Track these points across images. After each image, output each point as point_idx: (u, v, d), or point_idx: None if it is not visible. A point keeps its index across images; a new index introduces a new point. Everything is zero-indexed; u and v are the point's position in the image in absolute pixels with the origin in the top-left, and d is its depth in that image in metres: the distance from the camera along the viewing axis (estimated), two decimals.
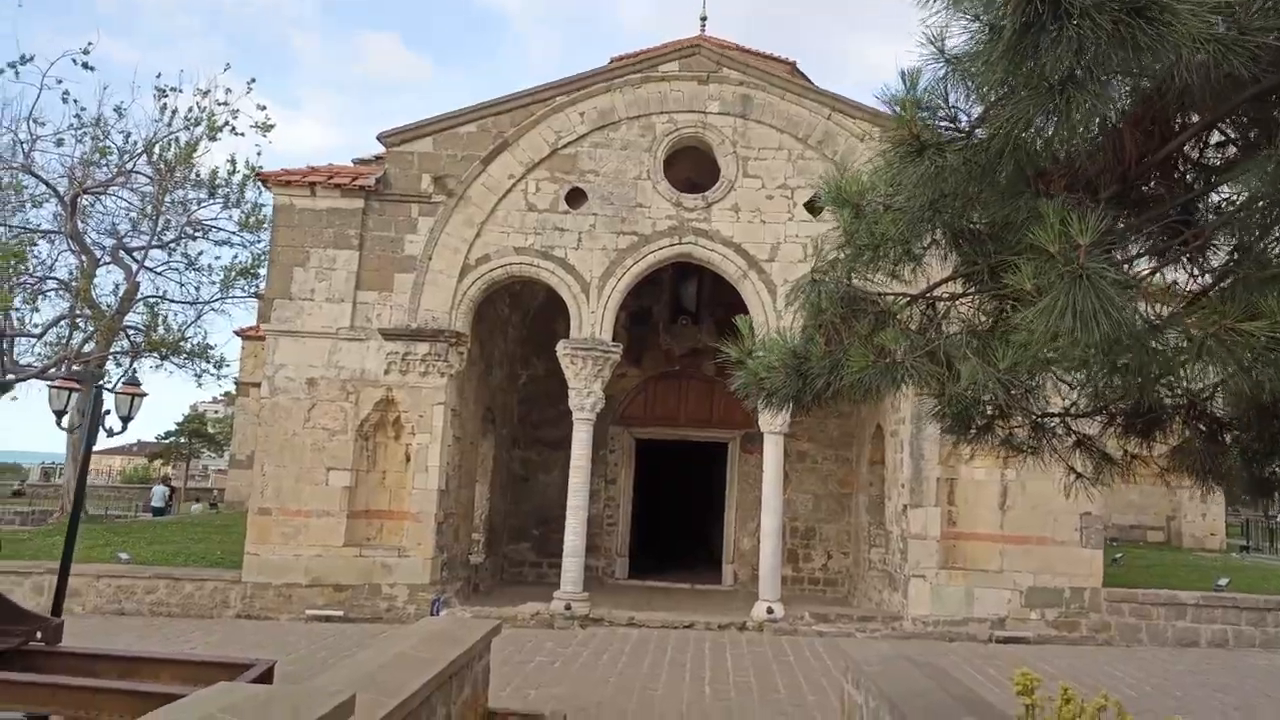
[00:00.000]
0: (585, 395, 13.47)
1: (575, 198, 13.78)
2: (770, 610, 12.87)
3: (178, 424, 44.10)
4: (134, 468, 49.99)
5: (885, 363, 4.60)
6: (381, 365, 13.29)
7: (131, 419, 8.59)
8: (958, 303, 5.27)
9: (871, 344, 4.76)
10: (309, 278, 13.40)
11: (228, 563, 14.04)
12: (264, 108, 20.83)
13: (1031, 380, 4.51)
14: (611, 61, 15.46)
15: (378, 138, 13.56)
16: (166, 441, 44.03)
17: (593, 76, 13.79)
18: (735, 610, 14.29)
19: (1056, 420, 6.10)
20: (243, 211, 20.66)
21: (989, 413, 6.11)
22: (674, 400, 18.46)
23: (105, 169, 18.66)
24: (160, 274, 21.07)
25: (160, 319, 20.63)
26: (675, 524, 23.73)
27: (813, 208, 13.77)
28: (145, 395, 8.72)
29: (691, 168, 14.56)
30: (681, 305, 18.98)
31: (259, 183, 13.40)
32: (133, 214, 19.73)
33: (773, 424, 13.49)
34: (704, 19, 19.91)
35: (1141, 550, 22.50)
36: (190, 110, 19.66)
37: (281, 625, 12.69)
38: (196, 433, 43.89)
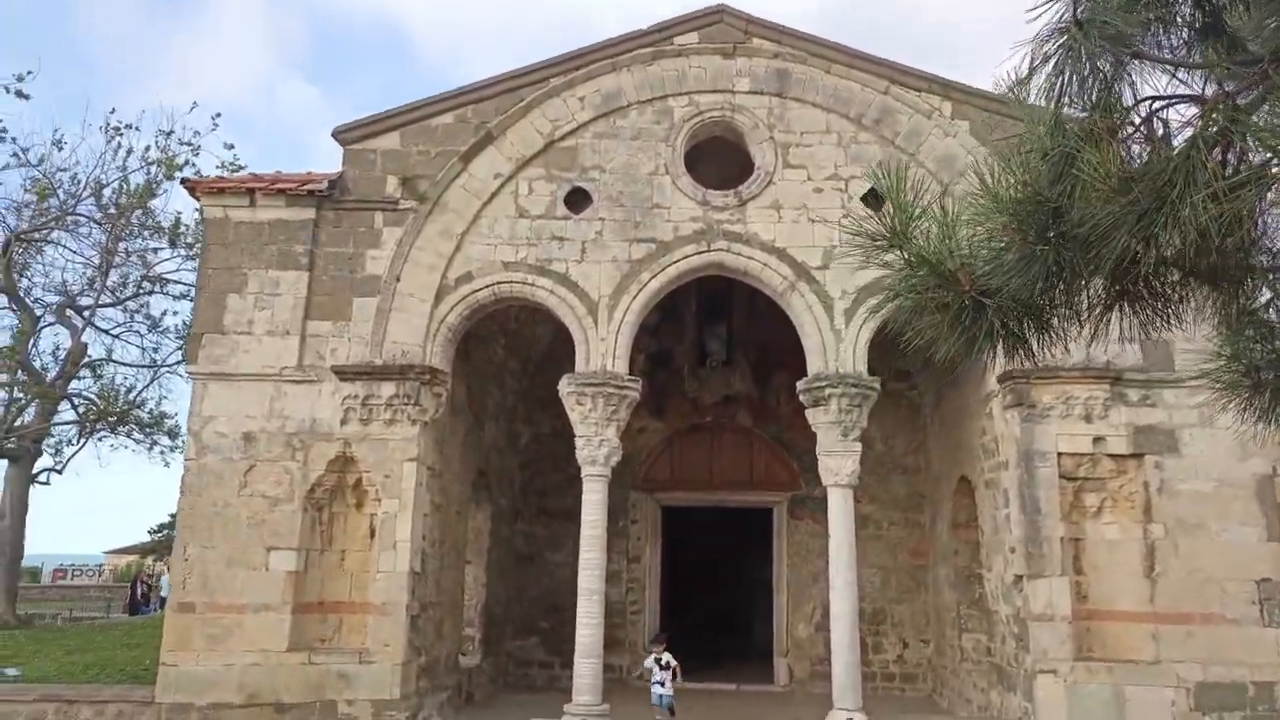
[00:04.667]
0: (597, 444, 10.54)
1: (577, 200, 11.13)
2: None
3: (171, 515, 41.20)
4: (127, 565, 46.85)
5: None
6: (337, 414, 10.46)
7: None
8: None
9: None
10: (246, 306, 10.70)
11: (154, 675, 11.00)
12: (231, 146, 18.60)
13: None
14: None
15: (333, 133, 11.04)
16: (157, 536, 41.10)
17: (594, 52, 11.29)
18: None
19: None
20: None
21: None
22: (705, 458, 15.47)
23: (45, 213, 16.29)
24: (117, 336, 18.55)
25: (112, 386, 18.01)
26: (712, 608, 20.41)
27: (873, 200, 11.04)
28: None
29: (716, 174, 11.89)
30: (707, 349, 16.19)
31: (186, 190, 10.82)
32: (82, 267, 17.32)
33: (838, 474, 10.48)
34: None
35: None
36: (147, 149, 17.41)
37: None
38: None
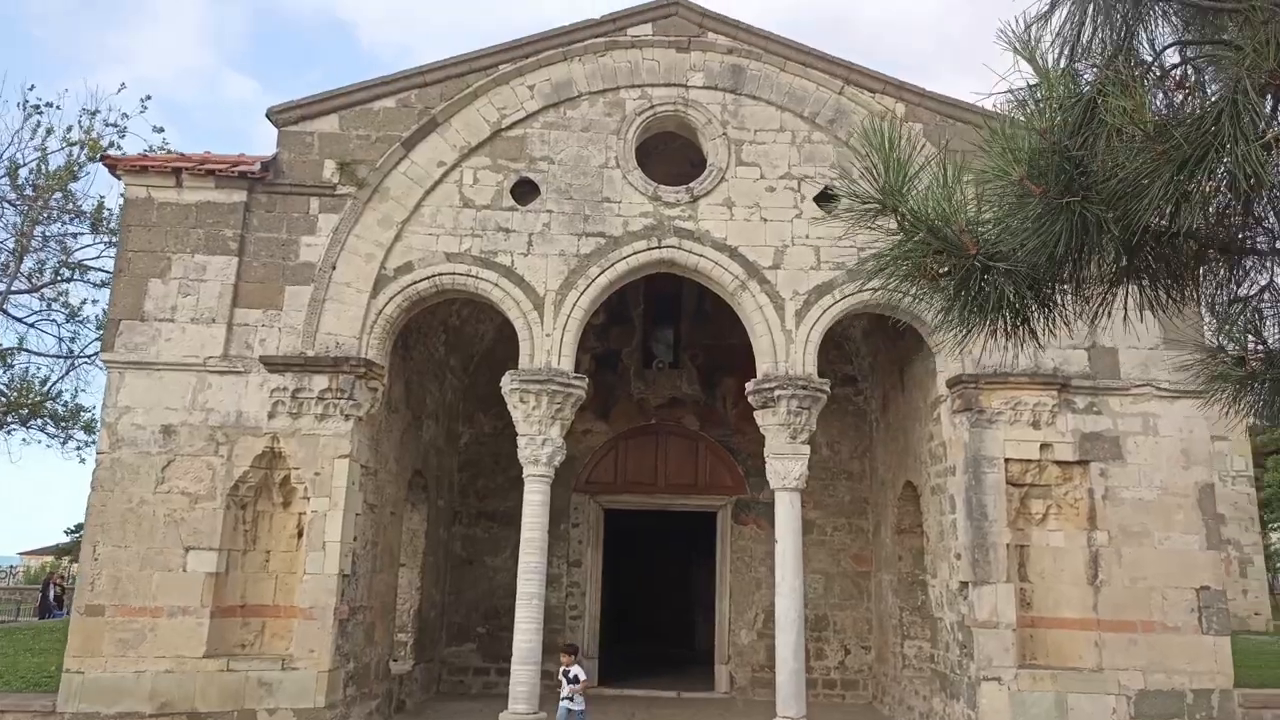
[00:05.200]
0: (540, 443, 10.18)
1: (524, 191, 10.77)
2: None
3: None
4: (41, 566, 44.73)
5: None
6: (265, 407, 9.91)
7: None
8: None
9: None
10: (169, 292, 10.09)
11: (58, 683, 10.27)
12: (161, 129, 17.81)
13: None
14: None
15: (267, 113, 10.50)
16: (75, 535, 39.35)
17: (544, 40, 10.94)
18: None
19: None
20: None
21: None
22: (650, 462, 15.18)
23: None
24: (33, 325, 17.56)
25: (26, 377, 17.03)
26: (654, 613, 20.18)
27: (825, 202, 10.91)
28: None
29: (667, 172, 11.62)
30: (654, 352, 15.95)
31: (106, 168, 10.17)
32: None
33: (786, 477, 10.28)
34: None
35: None
36: (69, 130, 16.53)
37: None
38: None
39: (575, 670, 9.50)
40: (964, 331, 2.51)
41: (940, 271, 2.41)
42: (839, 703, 13.75)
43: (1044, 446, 10.08)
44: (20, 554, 63.01)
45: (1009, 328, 2.45)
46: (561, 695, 9.50)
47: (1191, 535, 9.90)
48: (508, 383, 10.26)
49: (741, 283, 10.63)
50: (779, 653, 10.07)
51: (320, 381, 9.90)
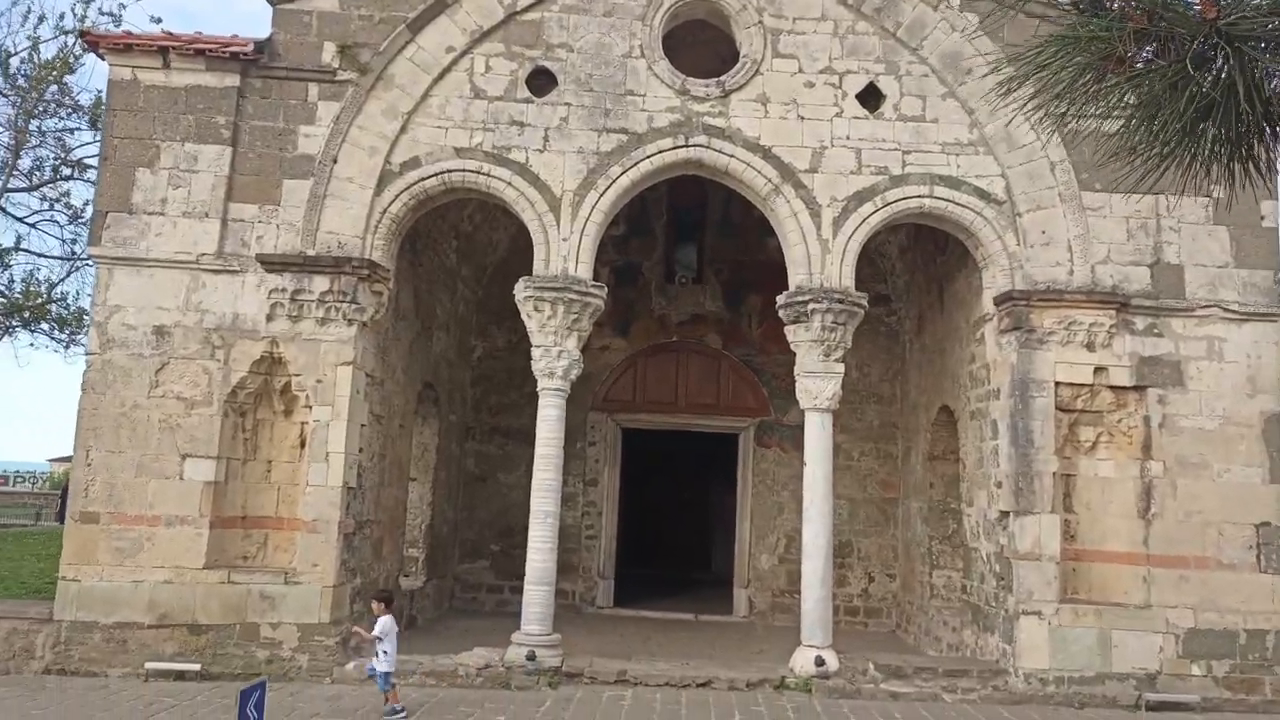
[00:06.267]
0: (555, 355, 9.54)
1: (541, 81, 9.89)
2: (820, 661, 8.95)
3: None
4: (64, 472, 45.23)
5: None
6: (263, 308, 9.29)
7: None
8: None
9: None
10: (159, 183, 9.38)
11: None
12: (159, 20, 16.86)
13: None
14: None
15: None
16: None
17: None
18: (761, 655, 10.41)
19: None
20: None
21: None
22: (670, 380, 14.55)
23: None
24: (34, 225, 16.97)
25: (34, 279, 16.52)
26: (671, 535, 19.85)
27: (868, 100, 9.97)
28: None
29: (695, 67, 10.65)
30: (676, 265, 15.13)
31: (86, 47, 9.39)
32: None
33: (818, 397, 9.63)
34: None
35: None
36: (62, 17, 15.63)
37: (107, 687, 8.61)
38: None
39: (382, 621, 7.76)
40: (1163, 154, 1.73)
41: (1144, 57, 1.65)
42: (861, 630, 13.35)
43: (1098, 370, 9.33)
44: (50, 460, 64.04)
45: (1248, 147, 1.66)
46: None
47: (1254, 468, 9.20)
48: (521, 290, 9.57)
49: (775, 187, 9.79)
50: (805, 579, 9.58)
51: (321, 283, 9.25)
